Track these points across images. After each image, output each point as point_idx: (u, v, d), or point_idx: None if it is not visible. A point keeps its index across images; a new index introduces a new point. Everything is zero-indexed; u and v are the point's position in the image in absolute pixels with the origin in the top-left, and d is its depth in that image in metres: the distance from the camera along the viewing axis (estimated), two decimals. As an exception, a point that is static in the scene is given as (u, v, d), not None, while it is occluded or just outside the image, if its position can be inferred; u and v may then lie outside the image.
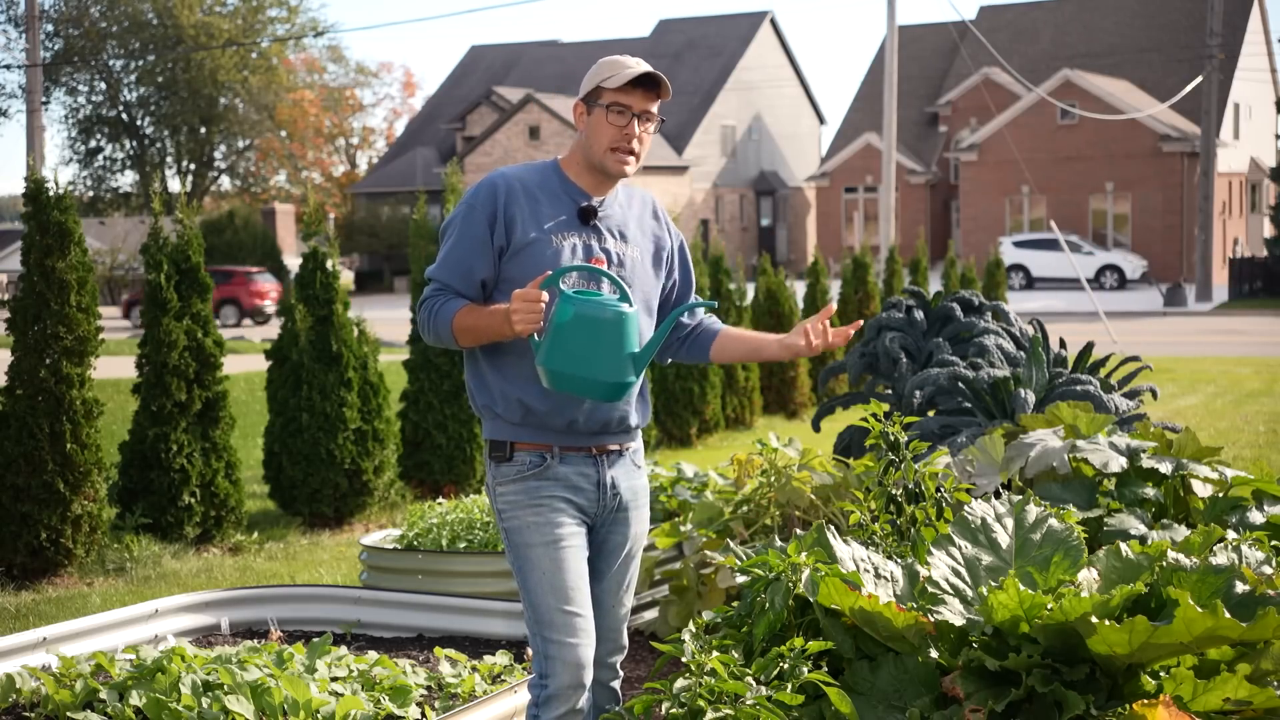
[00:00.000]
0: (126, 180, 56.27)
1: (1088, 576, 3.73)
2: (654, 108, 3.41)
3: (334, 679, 4.44)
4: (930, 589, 3.69)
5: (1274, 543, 4.33)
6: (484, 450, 3.51)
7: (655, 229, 3.56)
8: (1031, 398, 6.18)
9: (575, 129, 3.49)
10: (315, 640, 4.71)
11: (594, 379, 3.22)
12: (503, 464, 3.41)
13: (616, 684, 3.60)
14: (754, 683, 3.41)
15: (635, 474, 3.53)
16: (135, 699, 4.16)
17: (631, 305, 3.29)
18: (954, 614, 3.58)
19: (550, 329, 3.22)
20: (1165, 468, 4.93)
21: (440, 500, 6.46)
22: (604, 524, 3.49)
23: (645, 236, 3.53)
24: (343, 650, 4.75)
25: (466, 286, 3.39)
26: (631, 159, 3.39)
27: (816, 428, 7.72)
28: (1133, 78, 44.15)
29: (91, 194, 54.52)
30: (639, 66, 3.37)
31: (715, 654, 3.45)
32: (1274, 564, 3.82)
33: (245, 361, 18.32)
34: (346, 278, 42.41)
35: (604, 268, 3.38)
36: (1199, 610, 3.25)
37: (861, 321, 3.63)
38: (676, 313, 3.42)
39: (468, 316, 3.34)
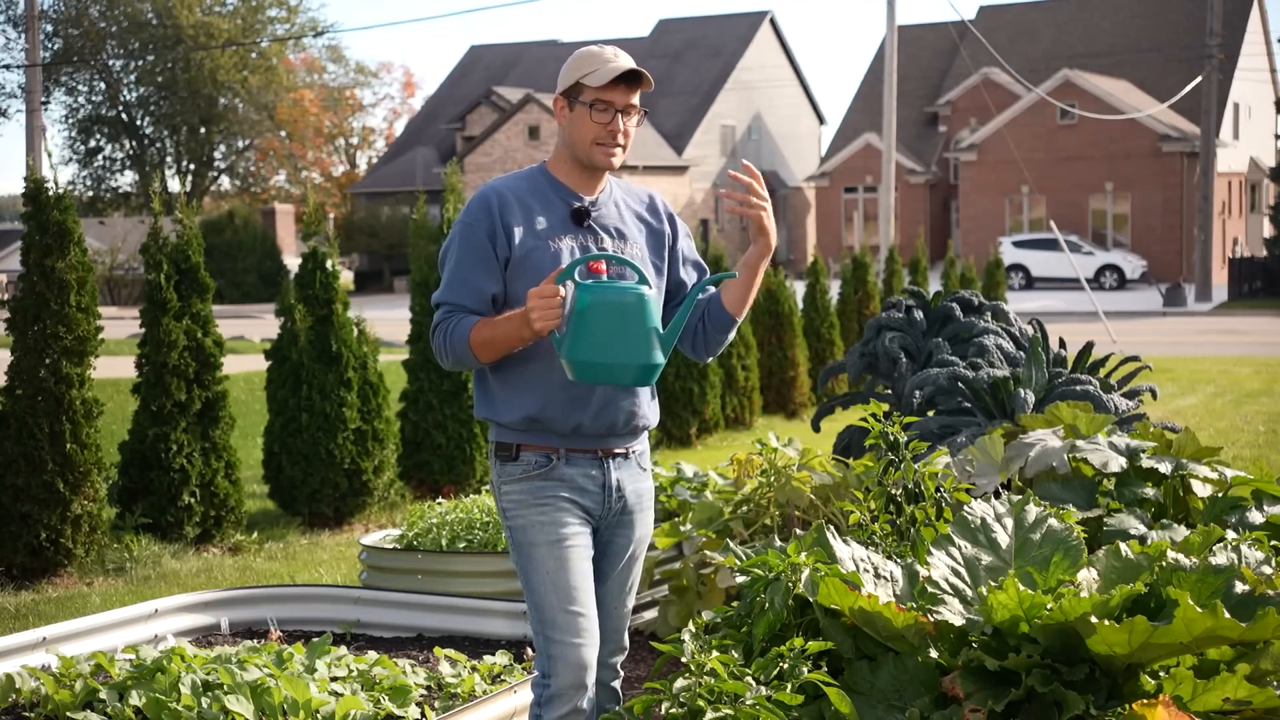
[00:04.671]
0: (126, 180, 56.33)
1: (1087, 576, 3.73)
2: (636, 99, 3.38)
3: (334, 679, 4.44)
4: (930, 589, 3.69)
5: (1274, 543, 4.33)
6: (489, 450, 3.48)
7: (654, 224, 3.52)
8: (1031, 398, 6.17)
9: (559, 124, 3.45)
10: (315, 640, 4.71)
11: (622, 363, 3.18)
12: (508, 463, 3.40)
13: (617, 684, 3.61)
14: (754, 683, 3.41)
15: (641, 477, 3.51)
16: (135, 699, 4.16)
17: (651, 286, 3.27)
18: (954, 614, 3.58)
19: (572, 321, 3.18)
20: (1165, 468, 4.93)
21: (440, 500, 6.45)
22: (608, 526, 3.48)
23: (643, 233, 3.50)
24: (342, 650, 4.75)
25: (478, 303, 3.34)
26: (618, 150, 3.37)
27: (816, 428, 7.72)
28: (1132, 78, 44.15)
29: (91, 194, 54.50)
30: (621, 62, 3.34)
31: (715, 654, 3.44)
32: (1274, 564, 3.82)
33: (245, 361, 18.29)
34: (346, 278, 42.38)
35: (603, 270, 3.37)
36: (1199, 610, 3.25)
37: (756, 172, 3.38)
38: (698, 287, 3.39)
39: (484, 329, 3.29)
